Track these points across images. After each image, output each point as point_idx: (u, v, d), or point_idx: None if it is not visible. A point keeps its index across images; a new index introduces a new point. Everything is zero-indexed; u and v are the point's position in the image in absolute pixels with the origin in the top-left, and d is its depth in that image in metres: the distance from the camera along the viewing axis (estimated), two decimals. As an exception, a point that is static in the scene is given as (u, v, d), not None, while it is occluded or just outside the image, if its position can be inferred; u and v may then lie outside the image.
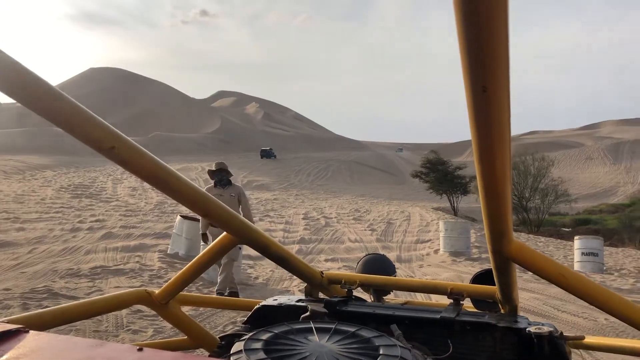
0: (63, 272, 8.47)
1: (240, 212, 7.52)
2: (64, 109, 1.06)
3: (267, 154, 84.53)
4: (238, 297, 7.28)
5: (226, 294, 7.36)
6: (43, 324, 1.50)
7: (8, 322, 1.16)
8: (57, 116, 1.07)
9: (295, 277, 9.46)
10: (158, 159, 1.25)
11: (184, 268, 1.85)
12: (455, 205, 36.86)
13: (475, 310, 1.96)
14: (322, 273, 2.01)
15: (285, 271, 9.25)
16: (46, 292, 7.04)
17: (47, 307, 6.49)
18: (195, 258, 1.86)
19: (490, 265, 1.88)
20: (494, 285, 1.80)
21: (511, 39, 0.73)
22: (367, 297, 2.39)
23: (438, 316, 1.68)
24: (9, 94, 0.98)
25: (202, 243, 7.84)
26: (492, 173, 0.99)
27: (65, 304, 1.75)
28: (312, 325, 1.39)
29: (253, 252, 11.29)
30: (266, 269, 10.39)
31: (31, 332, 0.99)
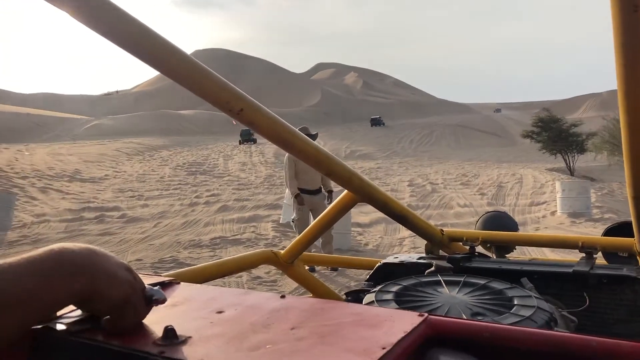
0: (186, 243, 9.07)
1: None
2: (196, 74, 1.12)
3: (376, 122, 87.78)
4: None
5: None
6: (183, 281, 1.63)
7: (157, 278, 1.26)
8: (191, 81, 1.13)
9: (405, 243, 9.45)
10: (283, 121, 1.29)
11: (307, 228, 1.91)
12: (572, 165, 34.63)
13: (609, 264, 1.85)
14: (442, 231, 1.99)
15: (395, 237, 9.29)
16: (173, 261, 7.60)
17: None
18: (318, 218, 1.91)
19: (616, 220, 1.75)
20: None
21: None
22: (490, 255, 2.33)
23: (570, 270, 1.60)
24: (147, 61, 1.05)
25: (297, 207, 7.81)
26: (638, 107, 0.91)
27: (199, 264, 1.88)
28: (440, 278, 1.38)
29: (361, 219, 11.39)
30: (375, 235, 10.46)
31: (182, 283, 1.07)
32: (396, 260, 1.88)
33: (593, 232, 10.92)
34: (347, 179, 1.55)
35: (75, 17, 0.93)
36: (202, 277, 1.71)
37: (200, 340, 0.79)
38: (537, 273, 1.63)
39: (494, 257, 2.28)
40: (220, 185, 19.34)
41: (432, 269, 1.61)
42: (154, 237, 9.88)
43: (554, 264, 1.73)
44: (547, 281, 1.61)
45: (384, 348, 0.72)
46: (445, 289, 1.30)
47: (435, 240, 1.95)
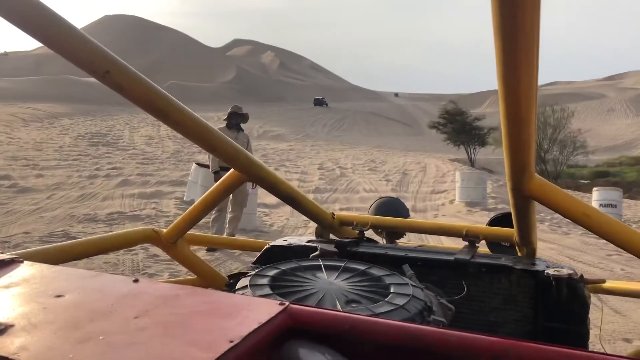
0: (80, 217, 8.59)
1: None
2: (58, 30, 0.99)
3: (320, 102, 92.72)
4: None
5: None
6: (48, 259, 1.48)
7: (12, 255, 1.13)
8: (51, 38, 1.00)
9: (310, 224, 9.53)
10: (158, 87, 1.18)
11: (191, 206, 1.81)
12: (473, 156, 36.53)
13: (491, 253, 1.90)
14: (334, 214, 1.97)
15: (301, 219, 9.32)
16: (64, 235, 7.15)
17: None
18: (203, 196, 1.82)
19: (507, 210, 1.82)
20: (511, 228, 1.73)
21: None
22: (380, 240, 2.35)
23: (452, 258, 1.63)
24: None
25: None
26: (517, 100, 0.90)
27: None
28: (320, 262, 1.34)
29: (268, 200, 11.33)
30: (281, 216, 10.45)
31: (25, 262, 0.95)
32: (284, 243, 1.83)
33: (486, 220, 11.54)
34: (233, 157, 1.47)
35: None
36: (69, 255, 1.57)
37: (23, 329, 0.69)
38: (421, 260, 1.64)
39: (384, 243, 2.30)
40: (123, 159, 18.50)
41: (317, 253, 1.57)
42: (46, 210, 9.27)
43: (439, 251, 1.75)
44: (430, 268, 1.62)
45: (231, 341, 0.66)
46: (323, 275, 1.26)
47: (325, 224, 1.92)
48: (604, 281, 1.62)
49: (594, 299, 5.18)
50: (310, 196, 14.23)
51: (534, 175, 1.21)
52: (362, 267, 1.31)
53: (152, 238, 1.82)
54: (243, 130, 8.05)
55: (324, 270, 1.29)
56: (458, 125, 37.81)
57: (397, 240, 2.33)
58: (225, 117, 7.95)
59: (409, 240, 3.88)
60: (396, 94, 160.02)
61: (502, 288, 1.57)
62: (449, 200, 13.93)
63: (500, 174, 26.56)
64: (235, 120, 7.87)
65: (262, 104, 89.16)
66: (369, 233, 2.01)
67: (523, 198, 1.29)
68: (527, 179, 1.20)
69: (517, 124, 0.97)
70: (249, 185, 7.74)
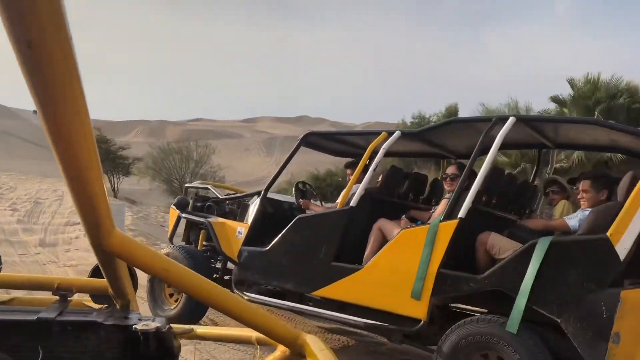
0: None
1: None
2: None
3: None
4: None
5: None
6: None
7: None
8: None
9: None
10: None
11: None
12: (116, 186, 35.80)
13: (88, 306, 1.78)
14: None
15: None
16: None
17: None
18: None
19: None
20: None
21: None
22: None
23: (35, 317, 1.44)
24: None
25: None
26: (72, 153, 0.82)
27: None
28: None
29: None
30: None
31: None
32: None
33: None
34: None
35: None
36: None
37: None
38: None
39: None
40: None
41: None
42: None
43: (26, 309, 1.54)
44: (7, 331, 1.40)
45: None
46: None
47: None
48: (192, 330, 1.67)
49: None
50: None
51: (114, 230, 1.15)
52: None
53: None
54: None
55: None
56: (102, 153, 36.62)
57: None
58: None
59: (8, 292, 3.42)
60: (35, 112, 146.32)
61: (90, 346, 1.47)
62: (84, 234, 13.13)
63: (144, 204, 26.62)
64: None
65: None
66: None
67: (105, 254, 1.23)
68: (105, 235, 1.13)
69: (81, 180, 0.90)
70: None
